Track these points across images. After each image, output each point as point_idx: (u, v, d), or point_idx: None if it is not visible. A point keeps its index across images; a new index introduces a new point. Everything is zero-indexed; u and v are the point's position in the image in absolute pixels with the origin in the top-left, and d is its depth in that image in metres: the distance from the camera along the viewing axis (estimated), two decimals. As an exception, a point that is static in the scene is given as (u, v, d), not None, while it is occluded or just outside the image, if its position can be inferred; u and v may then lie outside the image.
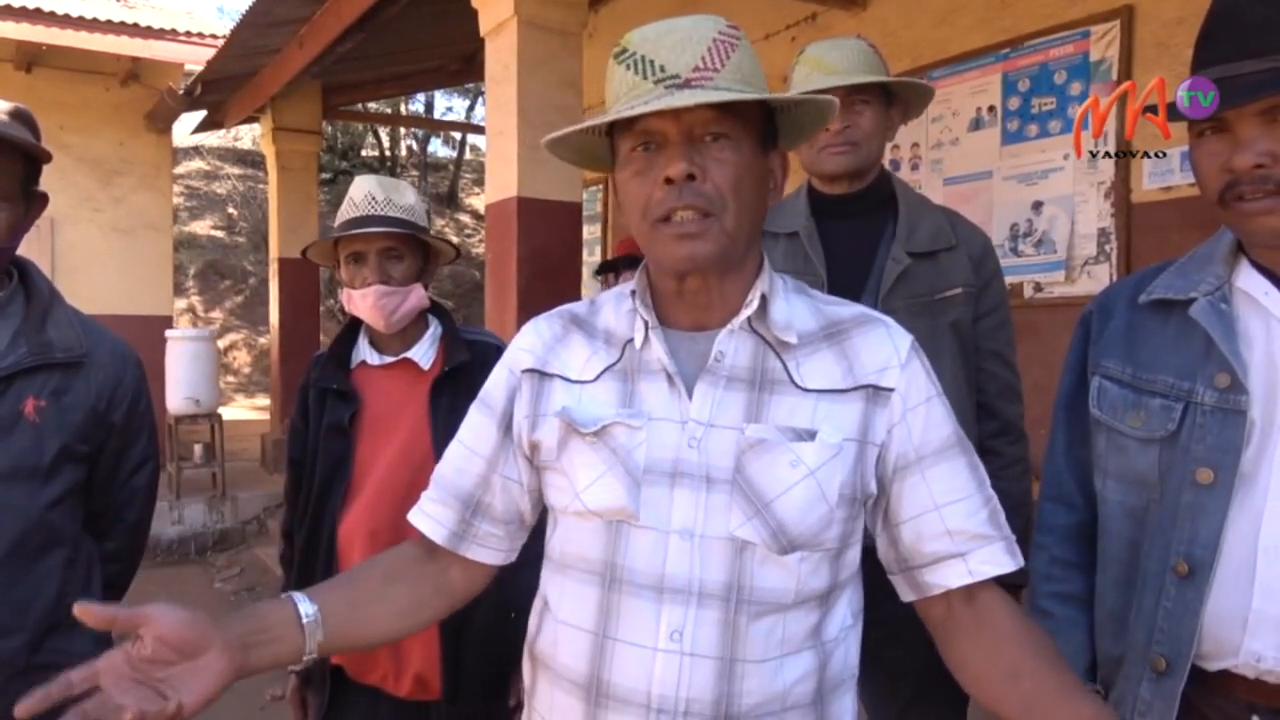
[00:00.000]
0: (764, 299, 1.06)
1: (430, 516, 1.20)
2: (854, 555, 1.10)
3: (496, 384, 1.19)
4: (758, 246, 1.10)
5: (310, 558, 1.89)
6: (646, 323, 1.08)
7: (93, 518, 1.67)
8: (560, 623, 1.09)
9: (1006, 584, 1.85)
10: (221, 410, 7.32)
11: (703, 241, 1.00)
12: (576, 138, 1.10)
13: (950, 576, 1.07)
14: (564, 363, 1.13)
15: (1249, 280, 1.14)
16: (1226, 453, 1.09)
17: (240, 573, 6.14)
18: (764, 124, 1.06)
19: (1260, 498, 1.08)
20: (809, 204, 1.89)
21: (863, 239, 1.85)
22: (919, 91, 1.90)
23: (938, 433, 1.07)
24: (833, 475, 1.02)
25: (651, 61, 1.00)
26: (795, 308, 1.09)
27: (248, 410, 11.93)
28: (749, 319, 1.06)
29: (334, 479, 1.86)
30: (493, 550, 1.20)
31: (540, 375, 1.14)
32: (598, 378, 1.10)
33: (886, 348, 1.07)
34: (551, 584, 1.13)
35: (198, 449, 7.01)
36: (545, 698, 1.11)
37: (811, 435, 1.02)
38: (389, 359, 1.92)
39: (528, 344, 1.17)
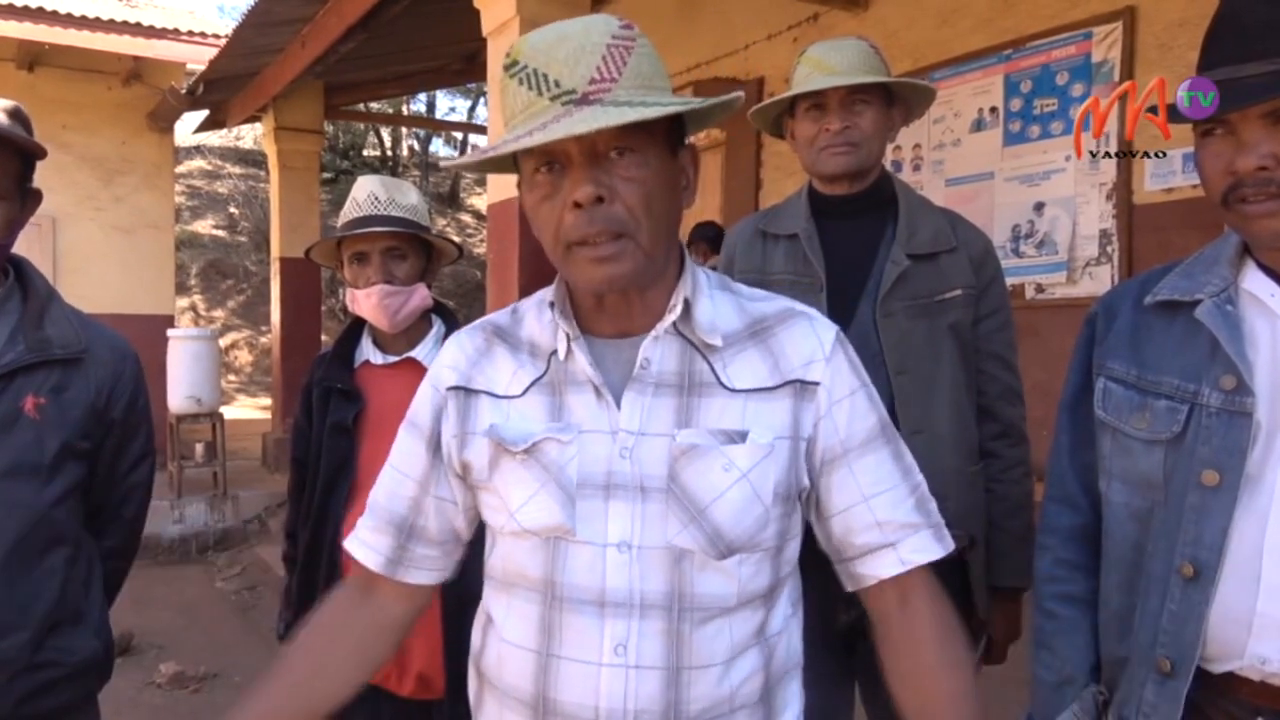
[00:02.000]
0: (687, 303, 1.04)
1: (366, 544, 1.18)
2: (794, 549, 1.10)
3: (422, 404, 1.15)
4: (677, 250, 1.08)
5: (314, 557, 1.89)
6: (569, 334, 1.05)
7: (90, 515, 1.66)
8: (504, 642, 1.08)
9: (1011, 588, 1.85)
10: (223, 409, 7.33)
11: (618, 263, 0.97)
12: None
13: (882, 567, 1.08)
14: (489, 378, 1.10)
15: (1255, 282, 1.14)
16: (1232, 454, 1.09)
17: (241, 572, 6.15)
18: (669, 125, 1.02)
19: (1266, 500, 1.07)
20: (809, 205, 1.88)
21: (863, 240, 1.84)
22: (921, 92, 1.89)
23: (863, 424, 1.07)
24: (766, 475, 1.02)
25: (545, 76, 0.95)
26: (720, 307, 1.08)
27: (249, 409, 11.94)
28: (674, 323, 1.04)
29: (338, 478, 1.86)
30: (429, 571, 1.19)
31: (465, 392, 1.11)
32: (525, 392, 1.07)
33: (811, 342, 1.06)
34: (495, 602, 1.11)
35: (199, 448, 7.00)
36: (493, 715, 1.11)
37: (743, 437, 1.01)
38: (392, 358, 1.92)
39: (450, 360, 1.14)
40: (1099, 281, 4.29)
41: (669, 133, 1.02)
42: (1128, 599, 1.20)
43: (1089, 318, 1.32)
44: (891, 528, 1.08)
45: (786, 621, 1.10)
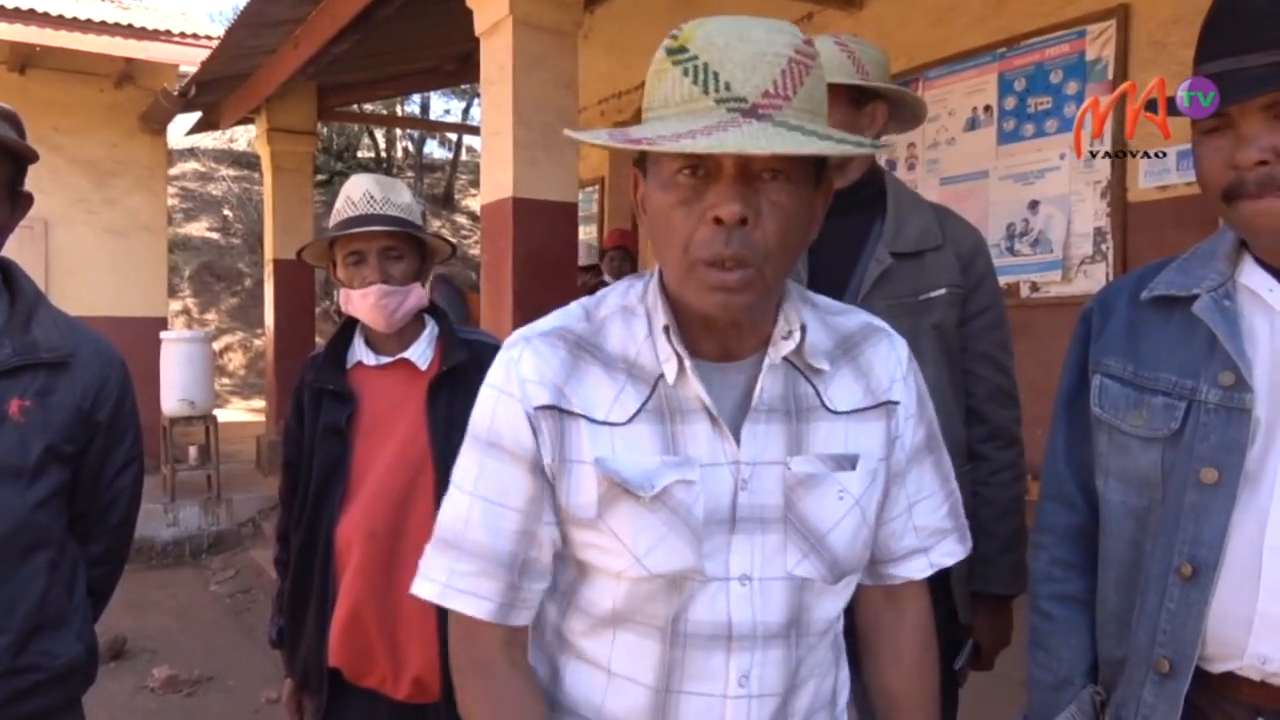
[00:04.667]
0: (803, 329, 1.01)
1: (467, 592, 1.02)
2: None
3: (509, 424, 1.01)
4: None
5: (307, 560, 1.87)
6: (679, 357, 0.98)
7: (76, 520, 1.65)
8: (613, 675, 1.03)
9: (1002, 595, 1.82)
10: (216, 412, 7.30)
11: (741, 295, 0.91)
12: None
13: (913, 569, 1.14)
14: (585, 399, 0.99)
15: (1253, 277, 1.13)
16: (1231, 452, 1.08)
17: (235, 575, 6.12)
18: (819, 157, 0.97)
19: (1265, 497, 1.06)
20: None
21: (849, 238, 1.81)
22: (897, 94, 1.85)
23: (919, 437, 1.11)
24: (871, 500, 1.04)
25: (716, 75, 0.88)
26: (813, 328, 1.04)
27: (243, 412, 11.91)
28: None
29: (331, 481, 1.84)
30: (532, 609, 1.07)
31: (560, 413, 0.99)
32: (631, 420, 0.98)
33: (892, 359, 1.08)
34: (592, 638, 1.04)
35: (193, 451, 6.97)
36: None
37: (851, 463, 1.02)
38: (385, 359, 1.90)
39: (535, 374, 1.00)
40: (1094, 280, 4.29)
41: (817, 164, 0.97)
42: (1125, 598, 1.19)
43: (1084, 314, 1.31)
44: (926, 533, 1.12)
45: (840, 617, 1.14)
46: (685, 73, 0.89)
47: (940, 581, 1.75)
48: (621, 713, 1.03)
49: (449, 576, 1.03)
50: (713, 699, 1.00)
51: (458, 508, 1.04)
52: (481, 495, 1.03)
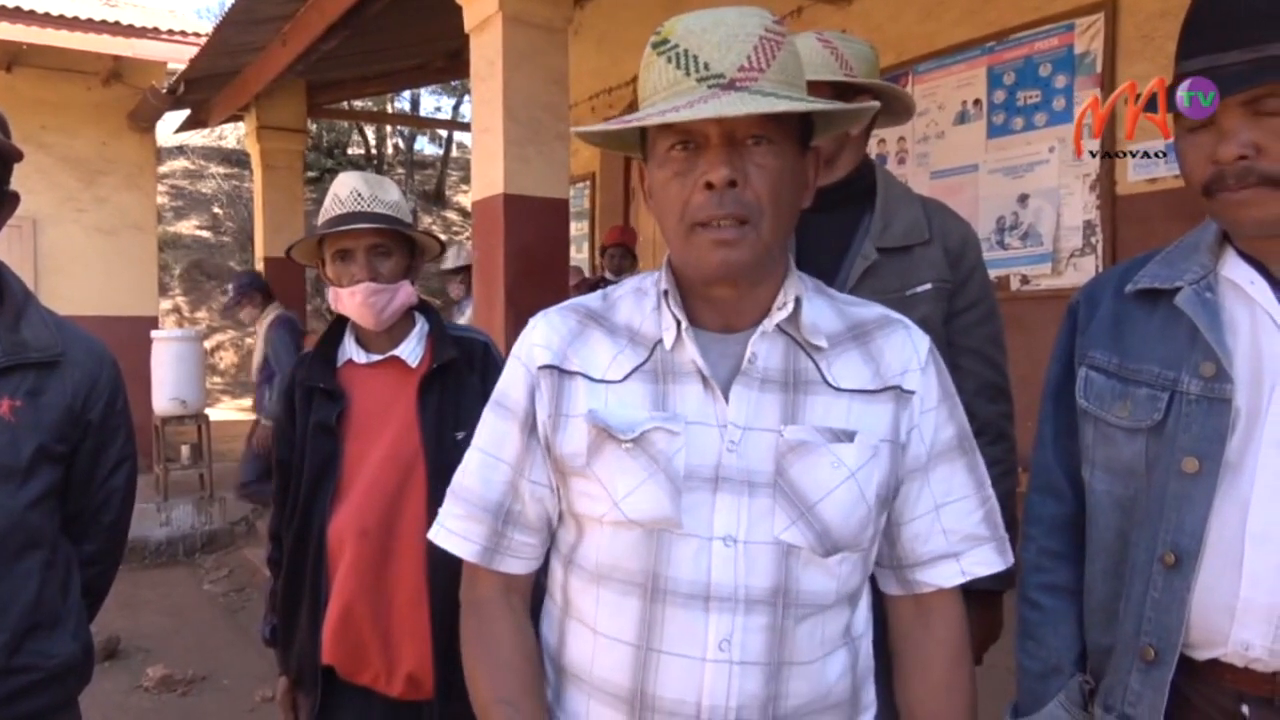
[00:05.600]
0: (798, 301, 1.06)
1: (457, 534, 1.14)
2: (875, 551, 1.12)
3: (512, 383, 1.12)
4: (786, 248, 1.09)
5: (299, 558, 1.87)
6: (679, 322, 1.05)
7: (70, 520, 1.65)
8: (598, 635, 1.07)
9: (987, 590, 1.82)
10: (208, 411, 7.28)
11: (738, 250, 0.99)
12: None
13: (942, 576, 1.12)
14: (585, 360, 1.08)
15: (1235, 269, 1.14)
16: (1212, 442, 1.09)
17: (229, 574, 6.12)
18: (801, 125, 1.04)
19: (1246, 486, 1.07)
20: None
21: (837, 233, 1.81)
22: (881, 89, 1.85)
23: (944, 434, 1.11)
24: (871, 476, 1.04)
25: (695, 57, 0.97)
26: (820, 309, 1.09)
27: (234, 411, 11.88)
28: (779, 322, 1.05)
29: (322, 479, 1.84)
30: (526, 560, 1.16)
31: (559, 372, 1.09)
32: (626, 378, 1.06)
33: (908, 349, 1.09)
34: (583, 595, 1.09)
35: (185, 450, 6.95)
36: (580, 710, 1.09)
37: (850, 436, 1.03)
38: (376, 357, 1.90)
39: (542, 339, 1.11)
40: (1083, 272, 4.31)
41: (800, 132, 1.04)
42: (1112, 587, 1.21)
43: (1071, 307, 1.32)
44: (957, 537, 1.11)
45: (866, 625, 1.13)
46: (669, 60, 0.99)
47: None
48: (606, 672, 1.05)
49: (444, 518, 1.16)
50: (691, 661, 1.01)
51: (465, 459, 1.17)
52: (480, 447, 1.15)
